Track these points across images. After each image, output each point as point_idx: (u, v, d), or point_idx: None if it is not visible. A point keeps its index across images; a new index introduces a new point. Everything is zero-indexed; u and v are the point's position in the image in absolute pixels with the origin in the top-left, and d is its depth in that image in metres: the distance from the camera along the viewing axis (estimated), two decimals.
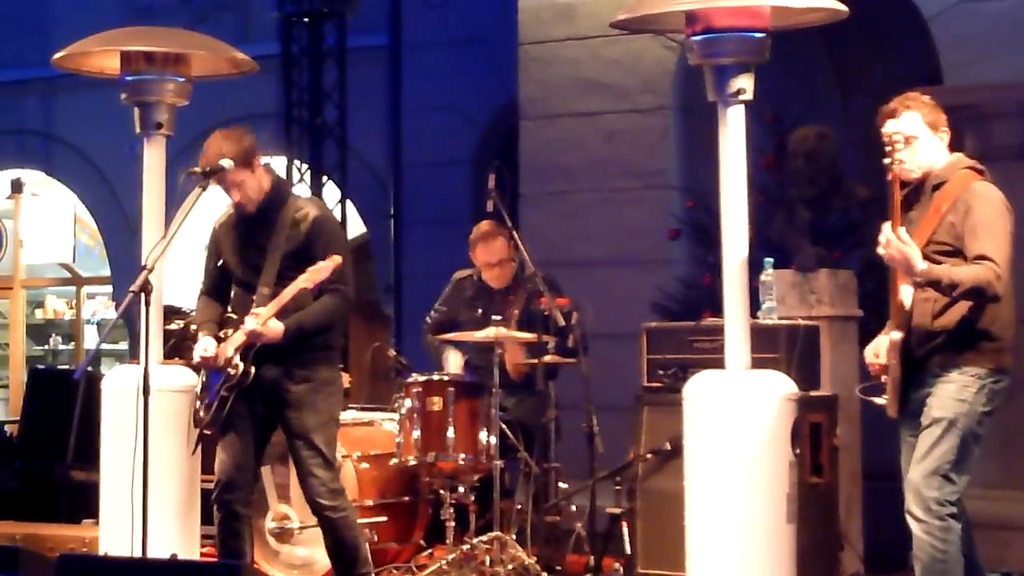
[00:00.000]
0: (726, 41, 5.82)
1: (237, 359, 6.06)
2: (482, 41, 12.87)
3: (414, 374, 7.22)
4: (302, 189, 12.85)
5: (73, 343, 17.35)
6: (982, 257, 5.26)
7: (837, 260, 8.19)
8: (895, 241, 5.23)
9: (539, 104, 10.35)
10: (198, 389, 6.26)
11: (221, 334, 6.19)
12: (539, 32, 10.33)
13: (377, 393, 8.89)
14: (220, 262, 6.34)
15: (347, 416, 7.53)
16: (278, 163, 13.89)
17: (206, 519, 6.82)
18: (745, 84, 5.82)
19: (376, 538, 7.08)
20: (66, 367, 16.38)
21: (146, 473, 5.57)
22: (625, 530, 7.00)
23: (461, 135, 13.25)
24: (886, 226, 5.29)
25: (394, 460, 7.13)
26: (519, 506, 7.26)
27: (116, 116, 7.36)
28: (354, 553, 6.27)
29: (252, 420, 6.20)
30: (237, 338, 6.09)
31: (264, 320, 6.01)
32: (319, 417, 6.15)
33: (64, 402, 9.72)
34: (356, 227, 14.11)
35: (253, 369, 6.06)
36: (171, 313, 7.38)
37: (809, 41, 9.58)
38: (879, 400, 5.53)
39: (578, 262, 9.66)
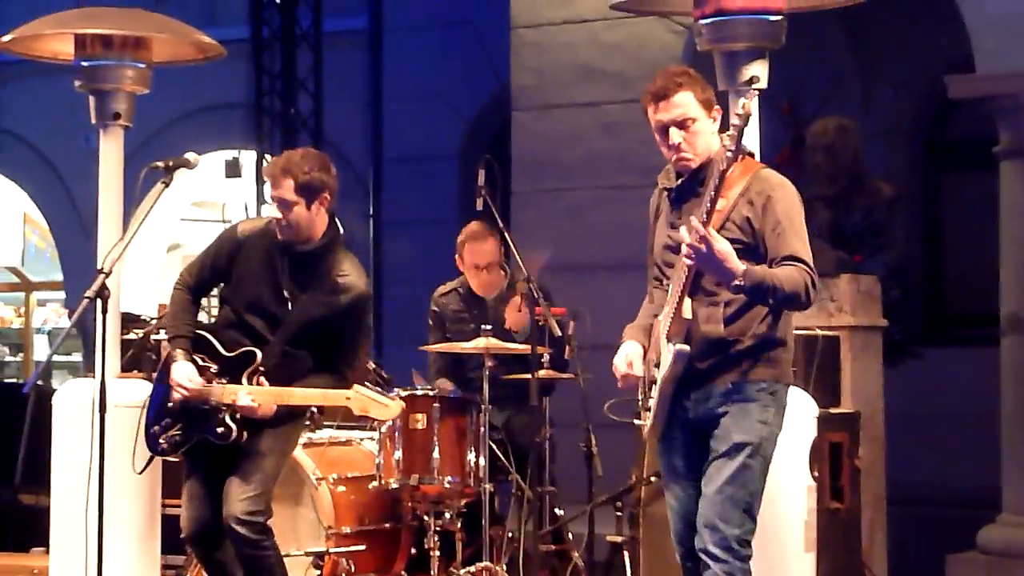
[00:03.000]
0: (738, 24, 5.84)
1: (228, 418, 5.87)
2: (471, 24, 12.90)
3: (396, 389, 7.16)
4: None
5: (22, 354, 17.35)
6: (792, 258, 5.00)
7: (859, 265, 8.20)
8: (709, 239, 4.85)
9: (533, 93, 10.35)
10: (148, 403, 6.09)
11: (197, 358, 5.98)
12: (533, 14, 10.34)
13: None
14: (222, 272, 6.10)
15: (323, 435, 7.53)
16: (247, 157, 13.91)
17: (167, 548, 6.82)
18: (759, 71, 5.82)
19: (353, 568, 7.00)
20: (14, 380, 16.37)
21: (101, 497, 5.46)
22: (627, 560, 6.99)
23: (447, 127, 13.27)
24: (693, 220, 4.92)
25: (374, 483, 7.05)
26: (510, 533, 7.21)
27: (70, 105, 7.33)
28: None
29: (215, 459, 6.00)
30: (228, 394, 5.86)
31: (263, 405, 5.84)
32: (274, 442, 5.99)
33: (12, 419, 9.68)
34: None
35: (246, 435, 5.88)
36: (129, 321, 7.34)
37: (829, 25, 9.60)
38: (637, 421, 5.30)
39: (575, 266, 9.64)
